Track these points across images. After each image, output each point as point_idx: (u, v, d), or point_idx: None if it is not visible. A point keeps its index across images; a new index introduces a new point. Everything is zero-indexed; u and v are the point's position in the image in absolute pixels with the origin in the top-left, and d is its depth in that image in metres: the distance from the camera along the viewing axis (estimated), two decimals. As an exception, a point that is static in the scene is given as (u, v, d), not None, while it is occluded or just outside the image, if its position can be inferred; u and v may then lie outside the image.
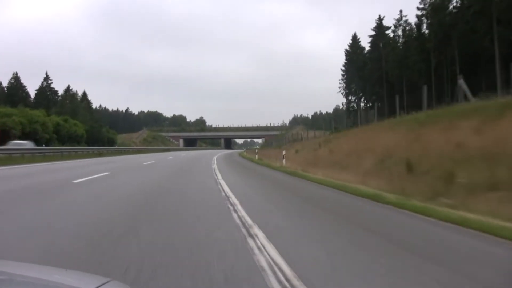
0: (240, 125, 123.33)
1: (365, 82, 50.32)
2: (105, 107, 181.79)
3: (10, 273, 1.31)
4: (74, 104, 64.50)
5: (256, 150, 26.09)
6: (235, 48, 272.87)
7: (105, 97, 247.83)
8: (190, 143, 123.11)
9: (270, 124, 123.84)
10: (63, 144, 50.63)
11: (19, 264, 1.65)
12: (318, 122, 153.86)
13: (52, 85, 79.38)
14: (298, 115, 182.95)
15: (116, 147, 57.88)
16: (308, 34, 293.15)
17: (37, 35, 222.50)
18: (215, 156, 32.61)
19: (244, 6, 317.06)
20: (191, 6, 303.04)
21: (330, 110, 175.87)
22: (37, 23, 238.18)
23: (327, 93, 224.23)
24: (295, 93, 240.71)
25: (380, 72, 45.97)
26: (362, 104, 60.98)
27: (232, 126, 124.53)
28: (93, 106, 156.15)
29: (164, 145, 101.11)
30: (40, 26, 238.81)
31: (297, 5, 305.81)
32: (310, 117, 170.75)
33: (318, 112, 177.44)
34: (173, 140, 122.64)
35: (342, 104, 64.91)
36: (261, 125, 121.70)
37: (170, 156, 32.04)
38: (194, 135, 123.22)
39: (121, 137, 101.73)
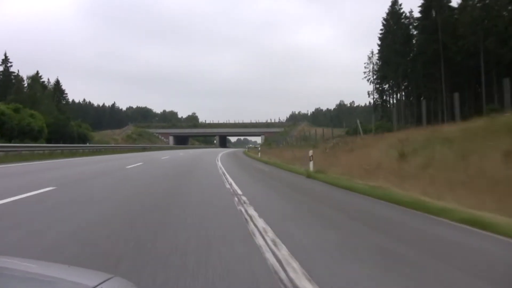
0: (236, 121, 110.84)
1: (407, 62, 38.10)
2: (89, 102, 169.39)
3: (12, 269, 1.28)
4: (34, 90, 51.29)
5: (311, 154, 12.53)
6: (231, 45, 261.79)
7: (96, 93, 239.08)
8: (181, 141, 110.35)
9: (270, 120, 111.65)
10: (10, 141, 38.06)
11: (21, 260, 1.61)
12: (318, 119, 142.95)
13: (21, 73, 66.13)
14: (296, 112, 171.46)
15: (88, 144, 45.22)
16: (304, 31, 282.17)
17: (27, 29, 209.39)
18: (218, 161, 20.53)
19: (241, 3, 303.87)
20: (188, 2, 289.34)
21: (331, 107, 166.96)
22: (28, 17, 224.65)
23: (325, 91, 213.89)
24: (292, 91, 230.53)
25: (436, 47, 33.86)
26: (393, 92, 48.64)
27: (228, 122, 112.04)
28: (77, 101, 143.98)
29: (151, 143, 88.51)
30: (31, 21, 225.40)
31: (294, 2, 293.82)
32: (310, 114, 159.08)
33: (318, 109, 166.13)
34: (162, 138, 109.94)
35: (369, 94, 52.60)
36: (260, 121, 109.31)
37: (137, 162, 18.93)
38: (186, 132, 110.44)
39: (101, 134, 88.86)
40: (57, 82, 74.62)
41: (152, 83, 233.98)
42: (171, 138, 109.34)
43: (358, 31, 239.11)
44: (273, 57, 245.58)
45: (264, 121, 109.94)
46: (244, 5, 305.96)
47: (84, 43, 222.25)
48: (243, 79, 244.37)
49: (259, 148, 38.15)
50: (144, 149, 46.77)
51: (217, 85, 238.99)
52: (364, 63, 54.42)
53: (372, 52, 50.26)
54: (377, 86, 50.12)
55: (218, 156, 28.13)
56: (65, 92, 77.85)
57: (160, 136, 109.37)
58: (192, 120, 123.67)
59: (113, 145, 46.95)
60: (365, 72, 52.72)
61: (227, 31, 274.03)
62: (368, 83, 52.27)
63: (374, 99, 52.02)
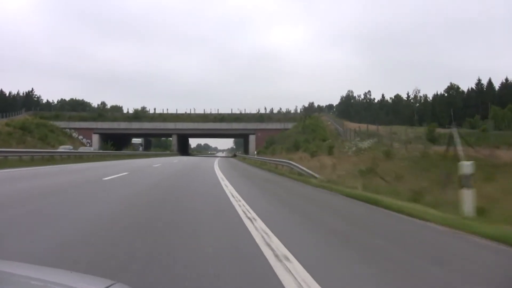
0: (208, 112, 67.73)
1: None
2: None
3: (13, 274, 1.28)
4: None
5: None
6: (198, 45, 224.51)
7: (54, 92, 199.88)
8: (114, 142, 65.82)
9: (265, 110, 69.10)
10: None
11: (22, 265, 1.60)
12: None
13: None
14: (275, 111, 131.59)
15: None
16: (277, 31, 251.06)
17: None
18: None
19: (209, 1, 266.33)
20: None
21: (323, 103, 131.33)
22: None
23: (298, 93, 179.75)
24: (269, 91, 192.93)
25: None
26: None
27: (193, 112, 68.57)
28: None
29: (44, 145, 44.39)
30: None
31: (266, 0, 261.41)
32: (302, 110, 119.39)
33: (312, 104, 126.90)
34: (80, 137, 65.10)
35: None
36: (247, 112, 67.01)
37: None
38: (121, 128, 65.93)
39: None
40: None
41: (108, 82, 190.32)
42: (95, 138, 64.65)
43: (333, 31, 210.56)
44: (243, 58, 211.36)
45: (254, 111, 67.72)
46: (214, 2, 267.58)
47: (39, 39, 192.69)
48: (210, 80, 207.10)
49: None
50: None
51: (181, 87, 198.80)
52: None
53: None
54: None
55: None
56: None
57: (75, 134, 64.30)
58: (137, 112, 77.07)
59: None
60: None
61: (194, 30, 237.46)
62: None
63: None
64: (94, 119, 67.69)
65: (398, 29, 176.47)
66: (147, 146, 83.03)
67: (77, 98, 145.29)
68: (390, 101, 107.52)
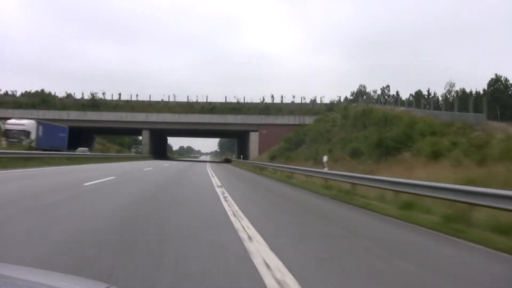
0: (192, 100, 49.71)
1: None
2: None
3: (10, 277, 1.28)
4: None
5: None
6: (184, 45, 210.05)
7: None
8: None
9: (272, 99, 51.22)
10: None
11: (19, 267, 1.60)
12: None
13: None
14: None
15: None
16: (266, 34, 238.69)
17: None
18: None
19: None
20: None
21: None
22: None
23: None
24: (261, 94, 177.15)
25: None
26: None
27: (172, 100, 50.45)
28: None
29: None
30: None
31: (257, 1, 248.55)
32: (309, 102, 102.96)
33: (314, 100, 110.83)
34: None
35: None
36: (247, 101, 49.33)
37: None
38: (71, 118, 47.34)
39: None
40: None
41: (88, 81, 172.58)
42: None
43: (323, 35, 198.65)
44: (228, 61, 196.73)
45: (257, 100, 50.08)
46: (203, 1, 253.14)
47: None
48: (201, 83, 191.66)
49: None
50: None
51: (167, 90, 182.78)
52: None
53: None
54: None
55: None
56: None
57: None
58: (95, 99, 57.74)
59: None
60: None
61: (182, 31, 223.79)
62: None
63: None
64: (34, 107, 48.99)
65: (398, 29, 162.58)
66: (49, 136, 37.12)
67: (44, 91, 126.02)
68: (404, 99, 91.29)
